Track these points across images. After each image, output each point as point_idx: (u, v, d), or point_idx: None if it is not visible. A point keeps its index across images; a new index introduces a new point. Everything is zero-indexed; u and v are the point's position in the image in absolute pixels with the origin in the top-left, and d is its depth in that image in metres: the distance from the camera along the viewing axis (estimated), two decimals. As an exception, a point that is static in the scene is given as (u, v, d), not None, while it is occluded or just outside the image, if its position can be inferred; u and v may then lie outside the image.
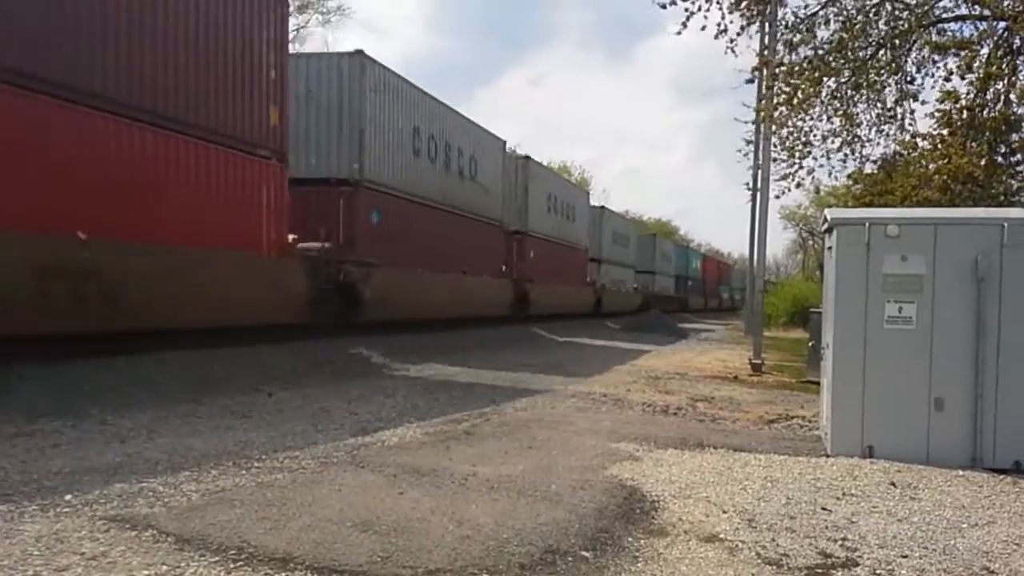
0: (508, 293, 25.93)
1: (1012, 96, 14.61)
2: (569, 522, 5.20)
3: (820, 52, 14.07)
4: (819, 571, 4.55)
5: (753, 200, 20.10)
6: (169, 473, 6.05)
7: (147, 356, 11.03)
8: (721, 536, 5.05)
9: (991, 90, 14.56)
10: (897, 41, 14.26)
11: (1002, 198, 14.26)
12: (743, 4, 13.78)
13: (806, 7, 14.32)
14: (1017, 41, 13.95)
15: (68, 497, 5.27)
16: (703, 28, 13.59)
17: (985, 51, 14.27)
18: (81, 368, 9.95)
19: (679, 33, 13.77)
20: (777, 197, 17.19)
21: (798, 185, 15.70)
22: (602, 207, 43.48)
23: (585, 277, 37.13)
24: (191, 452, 6.83)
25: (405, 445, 7.60)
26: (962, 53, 13.61)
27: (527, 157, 29.08)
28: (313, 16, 45.74)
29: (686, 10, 13.44)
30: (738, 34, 14.04)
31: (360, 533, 4.77)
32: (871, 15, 14.18)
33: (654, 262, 51.28)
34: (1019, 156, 16.02)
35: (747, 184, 18.61)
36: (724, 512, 5.58)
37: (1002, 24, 13.77)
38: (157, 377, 10.54)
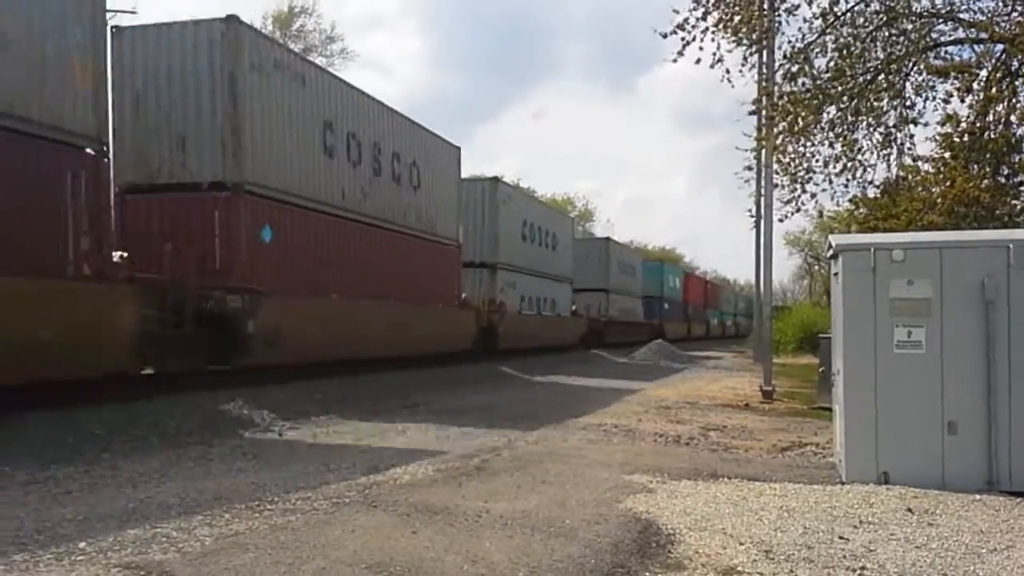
0: (113, 319, 10.88)
1: (1013, 118, 14.67)
2: (585, 558, 5.16)
3: (819, 81, 14.15)
4: (839, 602, 4.51)
5: (757, 227, 20.12)
6: (182, 518, 6.03)
7: (150, 401, 11.03)
8: (739, 569, 5.01)
9: (992, 112, 14.61)
10: (895, 66, 14.36)
11: (1007, 219, 14.26)
12: (740, 33, 13.87)
13: (803, 37, 14.44)
14: (1016, 63, 14.03)
15: (82, 544, 5.26)
16: (698, 61, 13.71)
17: (984, 73, 14.36)
18: (89, 413, 9.95)
19: (675, 61, 13.96)
20: (780, 221, 17.26)
21: (798, 210, 15.74)
22: (495, 178, 28.02)
23: (456, 291, 22.92)
24: (203, 496, 6.81)
25: (417, 483, 7.57)
26: (961, 76, 13.69)
27: (232, 18, 13.73)
28: (317, 59, 46.16)
29: (683, 39, 13.56)
30: (741, 67, 14.18)
31: (374, 575, 4.74)
32: (868, 42, 14.28)
33: (607, 277, 39.43)
34: (1022, 177, 16.07)
35: (750, 211, 18.62)
36: (741, 544, 5.54)
37: (1000, 47, 13.87)
38: (166, 420, 10.53)
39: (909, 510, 6.53)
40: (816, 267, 74.21)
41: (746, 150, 16.42)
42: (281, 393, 13.08)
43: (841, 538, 5.71)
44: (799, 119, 14.17)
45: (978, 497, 6.96)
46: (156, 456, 8.78)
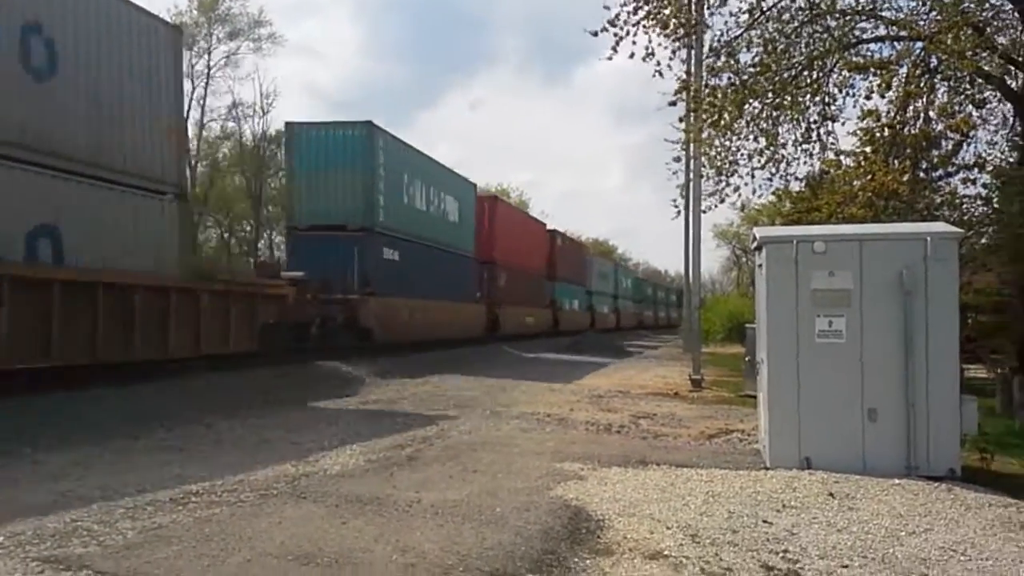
0: None
1: (931, 113, 15.13)
2: (515, 545, 5.19)
3: (743, 76, 14.35)
4: (762, 583, 4.62)
5: (686, 218, 20.36)
6: (104, 511, 5.89)
7: (83, 393, 10.76)
8: (666, 553, 5.10)
9: (911, 108, 15.03)
10: (818, 62, 14.64)
11: (925, 212, 14.69)
12: (669, 28, 13.99)
13: (729, 31, 14.62)
14: (934, 60, 14.44)
15: (0, 539, 5.11)
16: (631, 56, 13.80)
17: (904, 70, 14.75)
18: (9, 407, 9.64)
19: (610, 58, 13.91)
20: (704, 212, 17.50)
21: (722, 201, 15.94)
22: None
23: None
24: (127, 488, 6.65)
25: (348, 473, 7.51)
26: (881, 72, 14.03)
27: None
28: (244, 43, 45.17)
29: (615, 35, 13.63)
30: (670, 59, 14.29)
31: (301, 566, 4.70)
32: (792, 37, 14.54)
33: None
34: (940, 171, 16.58)
35: (674, 201, 18.73)
36: (668, 528, 5.63)
37: (919, 44, 14.24)
38: (92, 414, 10.25)
39: (831, 494, 6.71)
40: (744, 259, 74.50)
41: (674, 142, 16.58)
42: (214, 384, 12.85)
43: (765, 522, 5.85)
44: (723, 113, 14.36)
45: (897, 482, 7.18)
46: (79, 449, 8.53)
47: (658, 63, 14.02)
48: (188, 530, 5.40)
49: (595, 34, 13.69)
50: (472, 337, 28.63)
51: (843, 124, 15.64)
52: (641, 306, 72.96)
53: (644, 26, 13.79)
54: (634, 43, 13.72)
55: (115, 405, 10.77)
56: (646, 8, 13.80)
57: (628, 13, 13.67)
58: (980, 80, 14.51)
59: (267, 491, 6.65)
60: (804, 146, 15.46)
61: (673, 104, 15.06)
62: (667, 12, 13.93)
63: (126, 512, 5.86)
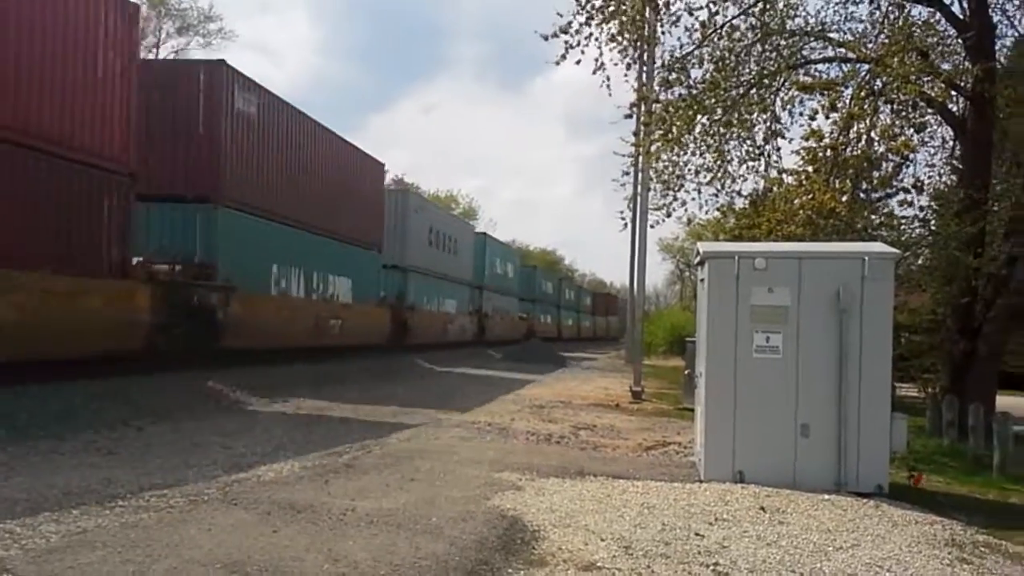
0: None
1: (873, 135, 15.43)
2: (449, 555, 5.16)
3: (694, 91, 14.51)
4: (691, 597, 4.65)
5: (632, 231, 20.50)
6: (28, 514, 5.73)
7: (5, 389, 10.44)
8: (599, 564, 5.11)
9: (854, 129, 15.31)
10: (767, 81, 14.86)
11: (864, 233, 14.97)
12: (620, 43, 14.12)
13: (681, 47, 14.79)
14: (879, 83, 14.74)
15: (-88, 543, 4.93)
16: (578, 62, 13.91)
17: (849, 92, 15.04)
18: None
19: (558, 63, 14.09)
20: (652, 226, 17.60)
21: (668, 215, 16.04)
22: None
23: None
24: (52, 491, 6.48)
25: (282, 480, 7.41)
26: (827, 93, 14.28)
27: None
28: (194, 38, 44.61)
29: (565, 43, 13.71)
30: (625, 73, 14.41)
31: (230, 574, 4.61)
32: (742, 56, 14.74)
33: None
34: (880, 192, 16.93)
35: (620, 212, 18.73)
36: (602, 540, 5.65)
37: (865, 66, 14.54)
38: (15, 412, 9.95)
39: (762, 508, 6.79)
40: (687, 273, 75.01)
41: (623, 155, 16.69)
42: (149, 388, 12.56)
43: (697, 535, 5.90)
44: (673, 128, 14.49)
45: (827, 497, 7.29)
46: (3, 450, 8.29)
47: (607, 76, 14.15)
48: (114, 535, 5.27)
49: (546, 38, 13.76)
50: None
51: (789, 142, 15.89)
52: (536, 308, 50.66)
53: (595, 38, 13.90)
54: (582, 53, 13.82)
55: (41, 404, 10.47)
56: (598, 19, 13.91)
57: (580, 24, 13.78)
58: (922, 104, 14.85)
59: (197, 497, 6.53)
60: (750, 163, 15.68)
61: (629, 116, 15.19)
62: (619, 24, 14.04)
63: (50, 515, 5.71)
